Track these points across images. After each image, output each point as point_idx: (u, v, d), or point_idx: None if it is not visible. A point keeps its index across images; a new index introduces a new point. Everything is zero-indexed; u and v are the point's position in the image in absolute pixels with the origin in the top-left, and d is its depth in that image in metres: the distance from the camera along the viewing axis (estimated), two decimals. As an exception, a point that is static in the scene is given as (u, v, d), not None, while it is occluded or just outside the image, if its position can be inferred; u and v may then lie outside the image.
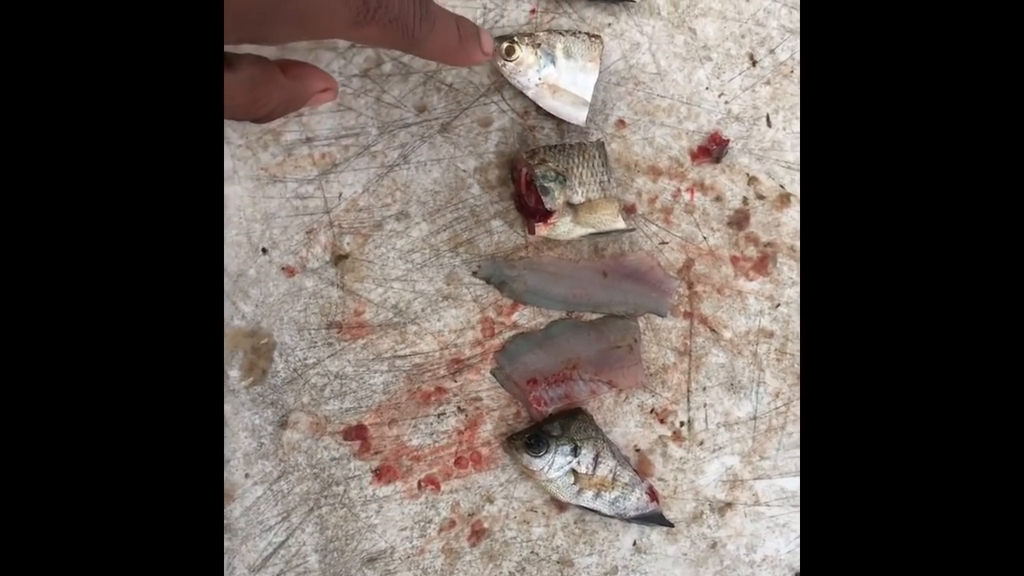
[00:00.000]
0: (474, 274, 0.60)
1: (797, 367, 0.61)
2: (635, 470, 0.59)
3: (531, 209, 0.58)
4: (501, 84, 0.60)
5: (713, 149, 0.61)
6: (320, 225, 0.59)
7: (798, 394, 0.61)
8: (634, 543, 0.60)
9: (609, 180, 0.58)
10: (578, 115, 0.59)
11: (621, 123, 0.61)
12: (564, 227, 0.58)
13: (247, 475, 0.58)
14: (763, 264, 0.61)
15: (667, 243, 0.61)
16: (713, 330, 0.61)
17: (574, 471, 0.58)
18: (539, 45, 0.58)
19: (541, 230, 0.57)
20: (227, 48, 0.42)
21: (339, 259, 0.59)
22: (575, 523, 0.60)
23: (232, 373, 0.58)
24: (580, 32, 0.59)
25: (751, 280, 0.61)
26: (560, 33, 0.58)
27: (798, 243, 0.61)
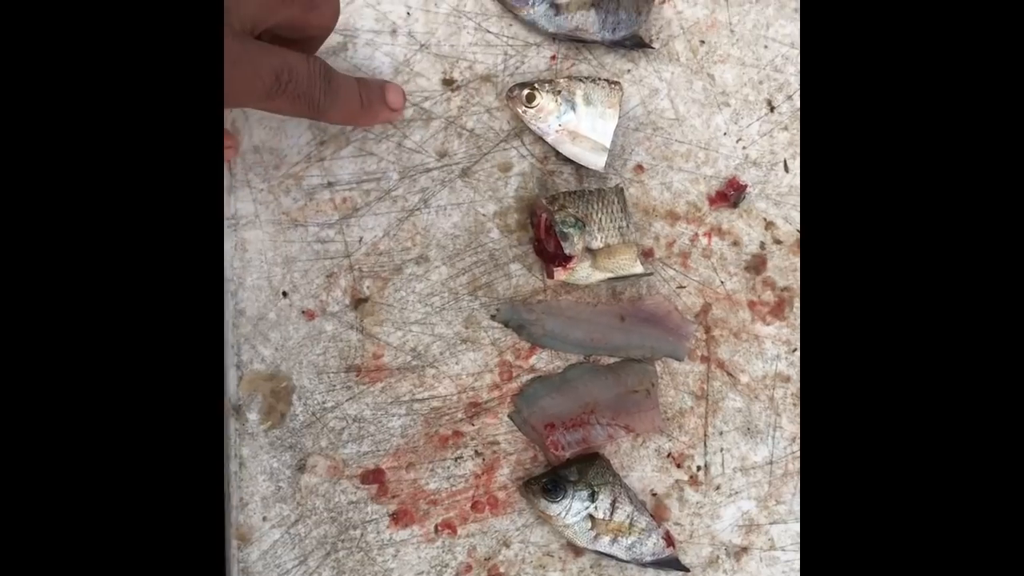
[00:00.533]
0: (492, 318, 0.60)
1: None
2: (652, 515, 0.59)
3: (550, 254, 0.58)
4: (521, 130, 0.60)
5: (731, 194, 0.61)
6: (340, 269, 0.59)
7: (814, 439, 0.61)
8: (650, 588, 0.60)
9: (628, 225, 0.58)
10: (597, 161, 0.59)
11: (640, 168, 0.61)
12: (583, 272, 0.58)
13: (265, 518, 0.58)
14: (780, 308, 0.61)
15: (684, 287, 0.61)
16: (730, 374, 0.61)
17: (591, 516, 0.58)
18: (559, 92, 0.58)
19: (560, 275, 0.58)
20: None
21: (359, 303, 0.59)
22: (591, 568, 0.60)
23: (251, 416, 0.58)
24: (600, 79, 0.59)
25: (768, 324, 0.61)
26: (580, 80, 0.59)
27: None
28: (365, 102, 0.53)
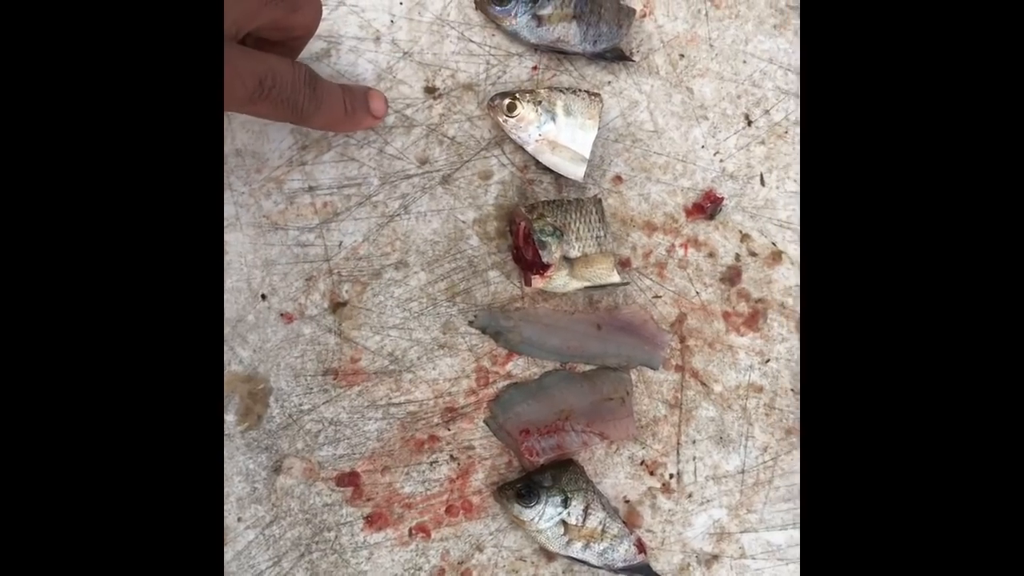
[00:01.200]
0: (470, 323, 0.61)
1: (785, 422, 0.62)
2: (624, 522, 0.60)
3: (528, 262, 0.59)
4: (502, 139, 0.61)
5: (707, 206, 0.62)
6: (320, 273, 0.60)
7: (785, 448, 0.62)
8: (621, 594, 0.61)
9: (605, 235, 0.59)
10: (576, 171, 0.60)
11: (618, 179, 0.62)
12: (560, 280, 0.58)
13: (239, 519, 0.59)
14: (754, 320, 0.62)
15: (660, 297, 0.62)
16: (704, 384, 0.62)
17: (564, 522, 0.58)
18: (540, 102, 0.59)
19: (537, 283, 0.58)
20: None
21: (337, 306, 0.60)
22: (563, 573, 0.60)
23: (228, 418, 0.59)
24: (580, 90, 0.60)
25: (742, 335, 0.62)
26: (561, 91, 0.59)
27: (789, 300, 0.62)
28: (349, 109, 0.54)
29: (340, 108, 0.53)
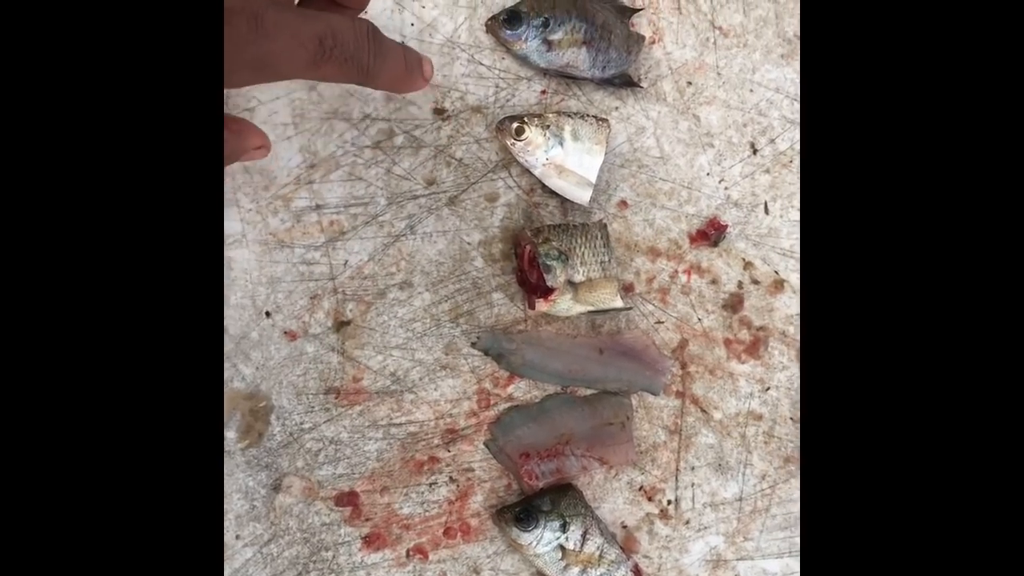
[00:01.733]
0: (473, 345, 0.61)
1: (784, 450, 0.62)
2: (621, 547, 0.60)
3: (532, 285, 0.59)
4: (509, 161, 0.61)
5: (711, 233, 0.62)
6: (324, 291, 0.60)
7: (783, 477, 0.62)
8: (617, 620, 0.61)
9: (610, 260, 0.59)
10: (582, 195, 0.60)
11: (623, 204, 0.62)
12: (564, 304, 0.59)
13: (238, 536, 0.58)
14: (755, 348, 0.62)
15: (663, 323, 0.62)
16: (704, 410, 0.62)
17: (562, 547, 0.58)
18: (548, 127, 0.59)
19: (541, 306, 0.59)
20: None
21: (341, 325, 0.60)
22: (560, 597, 0.60)
23: (229, 435, 0.59)
24: (588, 115, 0.60)
25: (743, 363, 0.62)
26: (569, 115, 0.60)
27: (790, 328, 0.62)
28: (410, 66, 0.51)
29: (402, 64, 0.50)
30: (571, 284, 0.58)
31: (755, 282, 0.63)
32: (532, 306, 0.59)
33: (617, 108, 0.62)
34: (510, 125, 0.59)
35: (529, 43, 0.60)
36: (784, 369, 0.62)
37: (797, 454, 0.62)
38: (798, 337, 0.62)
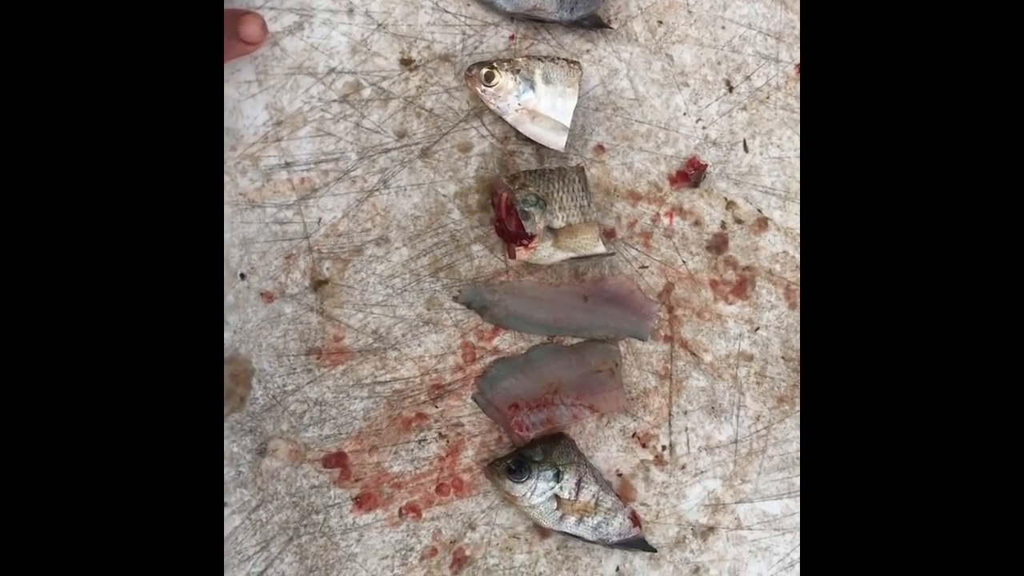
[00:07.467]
0: (455, 299, 0.60)
1: (777, 390, 0.61)
2: (617, 495, 0.59)
3: (511, 233, 0.58)
4: (481, 110, 0.60)
5: (691, 174, 0.62)
6: (299, 251, 0.59)
7: (778, 417, 0.61)
8: (617, 569, 0.60)
9: (589, 204, 0.58)
10: (557, 140, 0.59)
11: (600, 148, 0.61)
12: (544, 251, 0.58)
13: (225, 504, 0.57)
14: (742, 288, 0.61)
15: (647, 267, 0.61)
16: (693, 354, 0.61)
17: (556, 496, 0.57)
18: (518, 71, 0.58)
19: (522, 254, 0.57)
20: None
21: (318, 285, 0.59)
22: (558, 549, 0.59)
23: (210, 400, 0.57)
24: (559, 58, 0.59)
25: (730, 304, 0.61)
26: (539, 59, 0.59)
27: (777, 267, 0.61)
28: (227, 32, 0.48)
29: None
30: (551, 231, 0.57)
31: (738, 221, 0.62)
32: (512, 255, 0.58)
33: (588, 51, 0.61)
34: (479, 71, 0.58)
35: (494, -16, 0.59)
36: (773, 308, 0.61)
37: (791, 393, 0.61)
38: (785, 275, 0.61)
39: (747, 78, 0.62)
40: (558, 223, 0.57)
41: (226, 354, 0.58)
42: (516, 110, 0.58)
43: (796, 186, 0.61)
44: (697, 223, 0.61)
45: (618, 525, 0.58)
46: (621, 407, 0.60)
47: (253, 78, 0.58)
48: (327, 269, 0.59)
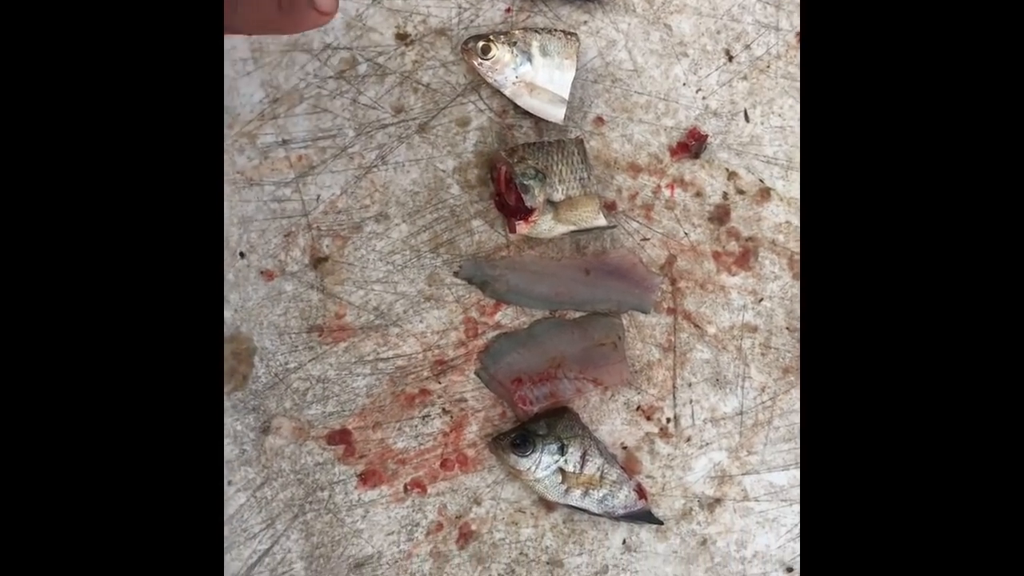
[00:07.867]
0: (455, 274, 0.59)
1: (782, 361, 0.61)
2: (623, 467, 0.59)
3: (511, 208, 0.57)
4: (478, 83, 0.60)
5: (692, 145, 0.61)
6: (298, 228, 0.58)
7: (783, 388, 0.60)
8: (624, 542, 0.60)
9: (589, 177, 0.58)
10: (556, 113, 0.58)
11: (599, 120, 0.61)
12: (545, 225, 0.57)
13: (230, 482, 0.57)
14: (745, 259, 0.61)
15: (648, 239, 0.61)
16: (697, 326, 0.61)
17: (561, 470, 0.57)
18: (515, 43, 0.58)
19: (522, 228, 0.57)
20: None
21: (318, 262, 0.59)
22: (564, 523, 0.59)
23: (212, 379, 0.58)
24: (556, 30, 0.59)
25: (733, 275, 0.61)
26: (536, 31, 0.58)
27: (780, 237, 0.61)
28: (285, 4, 0.44)
29: (271, 3, 0.43)
30: (551, 204, 0.57)
31: (740, 192, 0.61)
32: (513, 229, 0.58)
33: (585, 22, 0.61)
34: (476, 44, 0.57)
35: (489, -41, 0.58)
36: (776, 279, 0.61)
37: (796, 364, 0.60)
38: (788, 246, 0.61)
39: (747, 47, 0.61)
40: (558, 196, 0.57)
41: (227, 333, 0.58)
42: (514, 83, 0.58)
43: (798, 155, 0.61)
44: (698, 194, 0.61)
45: (623, 498, 0.58)
46: (625, 380, 0.60)
47: (248, 56, 0.58)
48: (327, 246, 0.59)
